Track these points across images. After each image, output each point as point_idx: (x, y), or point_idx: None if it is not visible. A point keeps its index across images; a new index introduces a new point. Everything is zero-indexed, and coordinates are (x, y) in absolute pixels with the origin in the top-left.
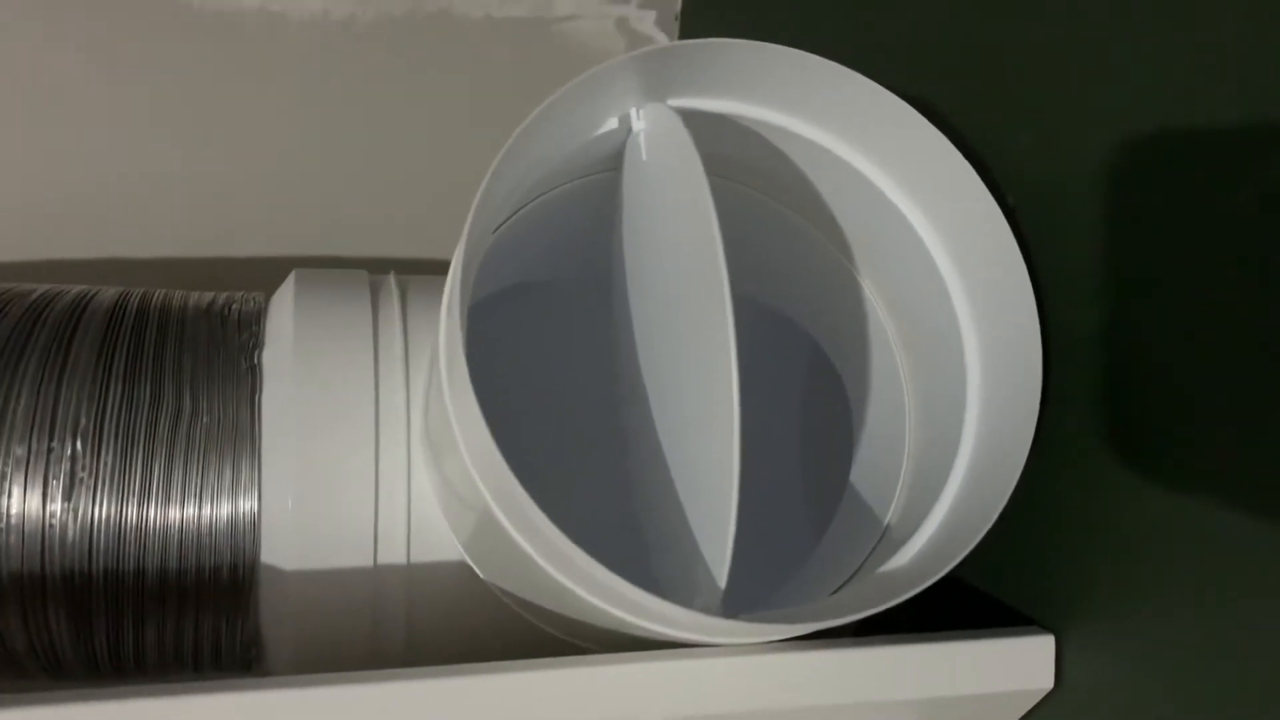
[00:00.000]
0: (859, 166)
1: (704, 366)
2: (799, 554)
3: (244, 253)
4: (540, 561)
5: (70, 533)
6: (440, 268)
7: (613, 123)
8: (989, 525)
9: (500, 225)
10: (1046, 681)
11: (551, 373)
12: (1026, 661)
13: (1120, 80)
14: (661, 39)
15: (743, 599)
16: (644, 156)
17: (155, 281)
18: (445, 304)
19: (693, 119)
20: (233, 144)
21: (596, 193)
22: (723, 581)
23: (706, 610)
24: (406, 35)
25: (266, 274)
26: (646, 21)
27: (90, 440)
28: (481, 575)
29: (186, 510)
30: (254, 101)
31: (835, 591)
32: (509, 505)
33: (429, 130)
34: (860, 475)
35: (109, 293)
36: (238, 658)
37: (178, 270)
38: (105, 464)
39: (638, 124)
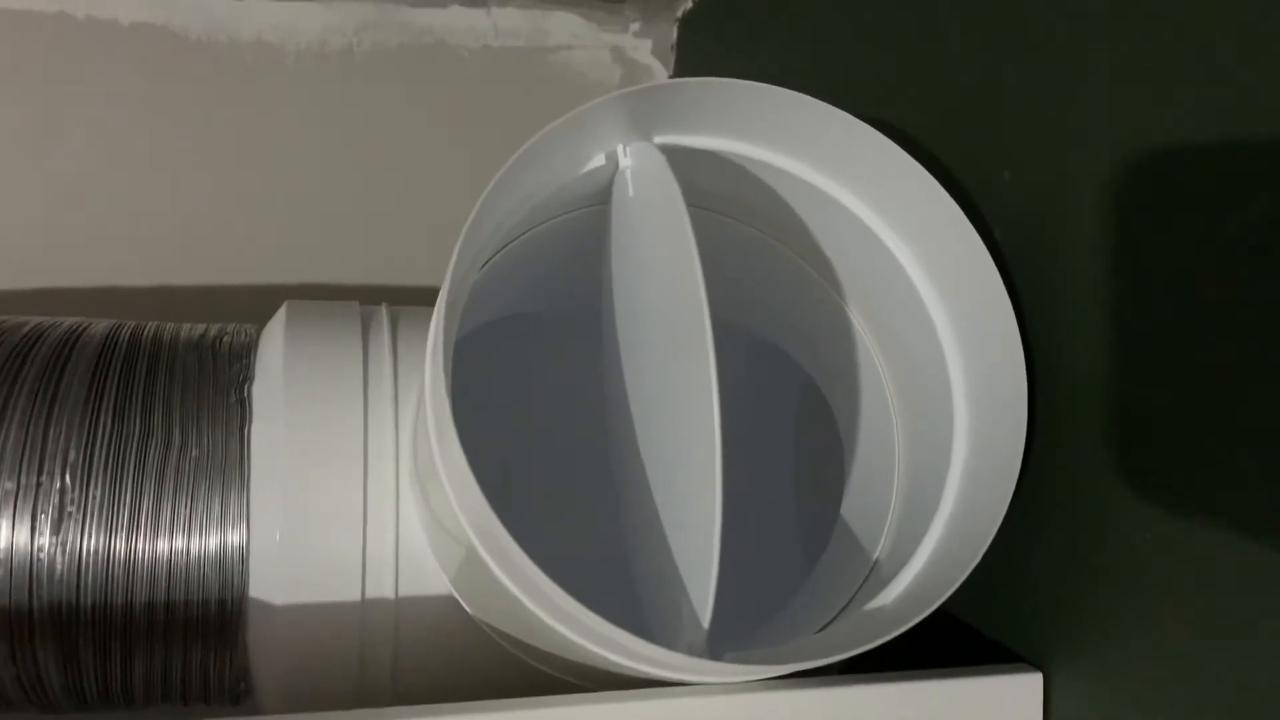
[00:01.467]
0: (845, 202)
1: (686, 407)
2: (790, 584)
3: (240, 279)
4: (526, 602)
5: (59, 566)
6: (436, 295)
7: (600, 159)
8: (974, 564)
9: (491, 258)
10: None
11: (542, 402)
12: (1014, 700)
13: (1104, 114)
14: (658, 67)
15: (732, 630)
16: (631, 193)
17: (152, 306)
18: (430, 346)
19: (681, 155)
20: (230, 171)
21: (587, 226)
22: (706, 621)
23: (691, 649)
24: (403, 65)
25: (262, 300)
26: (643, 50)
27: (79, 474)
28: (469, 610)
29: (175, 544)
30: (251, 130)
31: (823, 627)
32: (494, 547)
33: (426, 158)
34: (851, 508)
35: (101, 325)
36: (227, 691)
37: (173, 297)
38: (94, 497)
39: (625, 161)
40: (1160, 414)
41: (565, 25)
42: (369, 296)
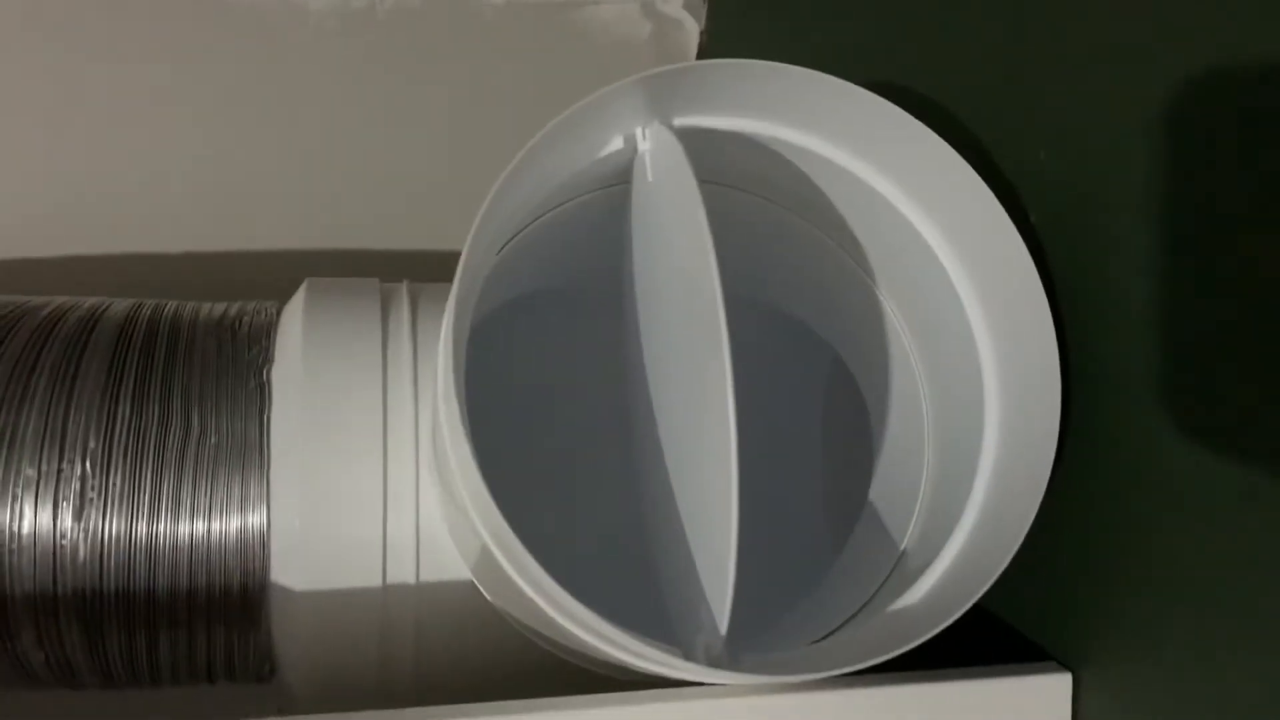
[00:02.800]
0: (873, 183)
1: (703, 405)
2: (814, 568)
3: (262, 246)
4: (541, 603)
5: (81, 552)
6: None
7: (618, 142)
8: (1004, 564)
9: (510, 239)
10: None
11: (562, 382)
12: (1041, 701)
13: (1141, 93)
14: (689, 22)
15: (753, 616)
16: (649, 178)
17: (172, 272)
18: (441, 348)
19: (704, 136)
20: (252, 134)
21: (607, 207)
22: (724, 626)
23: (708, 652)
24: (426, 24)
25: (285, 269)
26: (674, 3)
27: (99, 460)
28: (488, 598)
29: (196, 529)
30: (273, 92)
31: (847, 621)
32: (508, 551)
33: (449, 118)
34: (878, 494)
35: (120, 306)
36: (251, 671)
37: (194, 264)
38: (114, 484)
39: (643, 144)
40: (1205, 406)
41: None
42: (392, 262)
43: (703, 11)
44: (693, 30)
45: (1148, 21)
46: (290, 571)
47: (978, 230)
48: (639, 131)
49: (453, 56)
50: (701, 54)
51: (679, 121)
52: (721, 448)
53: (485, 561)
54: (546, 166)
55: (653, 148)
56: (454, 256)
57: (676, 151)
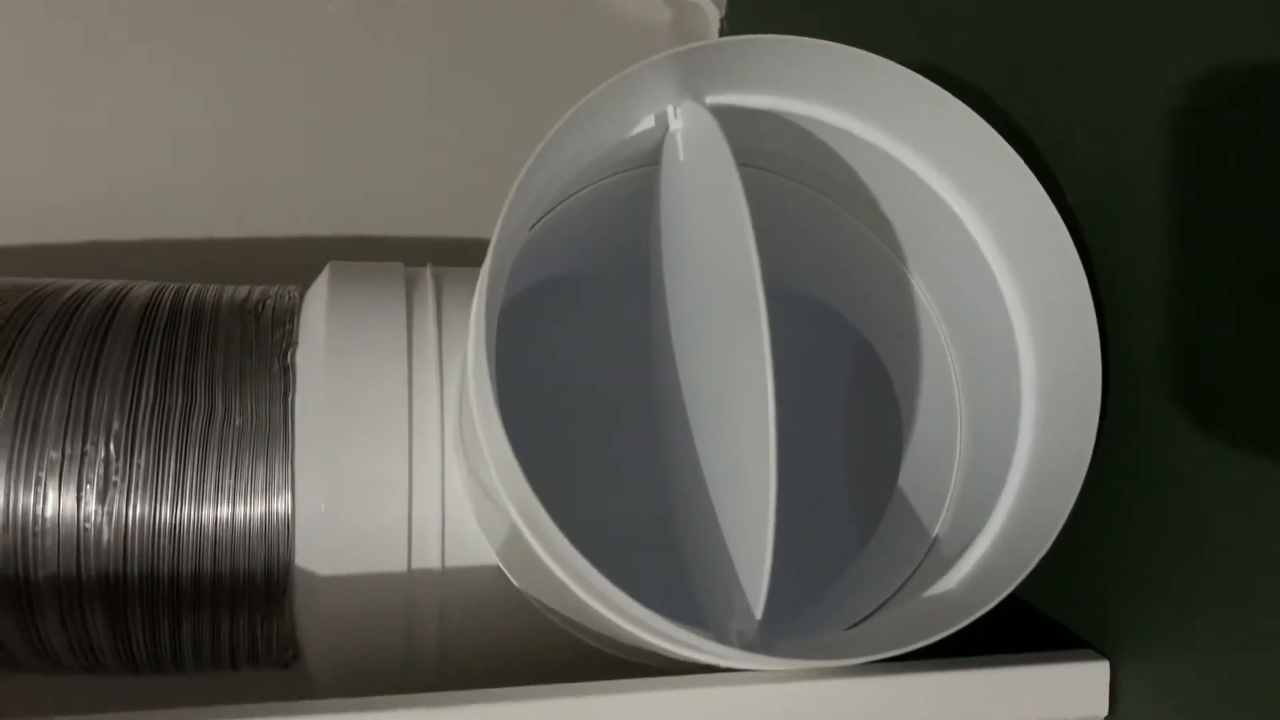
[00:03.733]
0: (910, 164)
1: (737, 384)
2: (844, 553)
3: (285, 232)
4: (573, 586)
5: (105, 535)
6: (485, 247)
7: (649, 121)
8: (1043, 551)
9: (539, 220)
10: (1100, 710)
11: (591, 364)
12: (1079, 689)
13: (1182, 71)
14: (709, 5)
15: (783, 600)
16: (681, 156)
17: (195, 257)
18: (473, 328)
19: (735, 114)
20: (275, 119)
21: (636, 187)
22: (759, 612)
23: (742, 638)
24: (446, 8)
25: (308, 252)
26: None
27: (123, 443)
28: (515, 584)
29: (220, 513)
30: (296, 77)
31: (880, 606)
32: (539, 532)
33: (469, 103)
34: (909, 480)
35: (143, 289)
36: (275, 656)
37: (216, 249)
38: (138, 467)
39: (675, 123)
40: (1247, 388)
41: None
42: (415, 248)
43: None
44: (713, 15)
45: (1189, 2)
46: (314, 556)
47: (1016, 211)
48: (670, 109)
49: (473, 40)
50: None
51: (711, 99)
52: (758, 430)
53: (512, 543)
54: (577, 144)
55: (685, 126)
56: (475, 243)
57: (712, 129)
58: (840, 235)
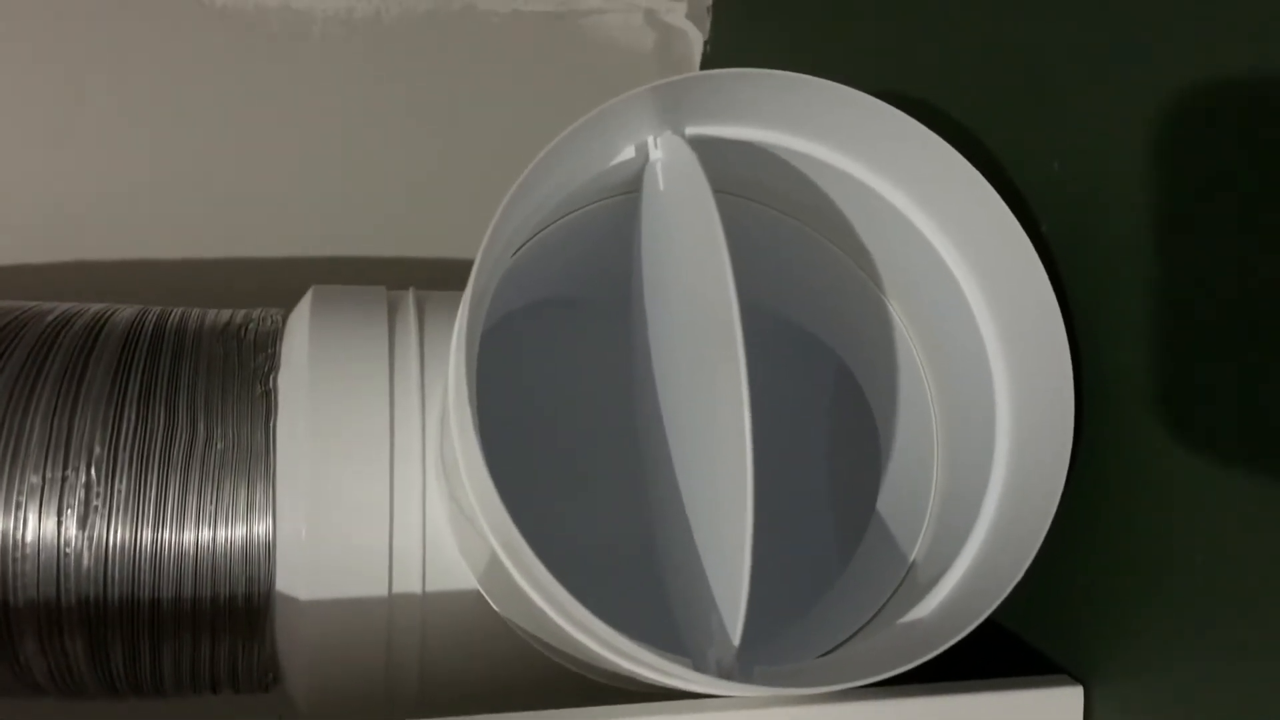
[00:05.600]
0: (886, 194)
1: (716, 405)
2: (823, 577)
3: (269, 253)
4: (550, 613)
5: (85, 560)
6: (467, 269)
7: (630, 151)
8: (1016, 580)
9: (524, 245)
10: None
11: (573, 387)
12: (1053, 714)
13: (1155, 100)
14: (693, 32)
15: (761, 625)
16: (661, 186)
17: (179, 280)
18: (453, 358)
19: (715, 144)
20: (259, 141)
21: (620, 214)
22: (736, 639)
23: (720, 665)
24: (431, 32)
25: (291, 276)
26: (677, 14)
27: (104, 468)
28: (495, 608)
29: (201, 537)
30: (280, 99)
31: (857, 632)
32: (518, 560)
33: (455, 127)
34: (887, 504)
35: (126, 313)
36: (256, 680)
37: (200, 271)
38: (119, 491)
39: (655, 153)
40: (1216, 421)
41: None
42: (399, 270)
43: (706, 22)
44: (696, 40)
45: (1159, 32)
46: (295, 580)
47: (989, 240)
48: (650, 140)
49: (459, 65)
50: (705, 64)
51: (690, 130)
52: (735, 456)
53: (493, 570)
54: (559, 174)
55: (665, 156)
56: (460, 265)
57: (690, 160)
58: (820, 262)
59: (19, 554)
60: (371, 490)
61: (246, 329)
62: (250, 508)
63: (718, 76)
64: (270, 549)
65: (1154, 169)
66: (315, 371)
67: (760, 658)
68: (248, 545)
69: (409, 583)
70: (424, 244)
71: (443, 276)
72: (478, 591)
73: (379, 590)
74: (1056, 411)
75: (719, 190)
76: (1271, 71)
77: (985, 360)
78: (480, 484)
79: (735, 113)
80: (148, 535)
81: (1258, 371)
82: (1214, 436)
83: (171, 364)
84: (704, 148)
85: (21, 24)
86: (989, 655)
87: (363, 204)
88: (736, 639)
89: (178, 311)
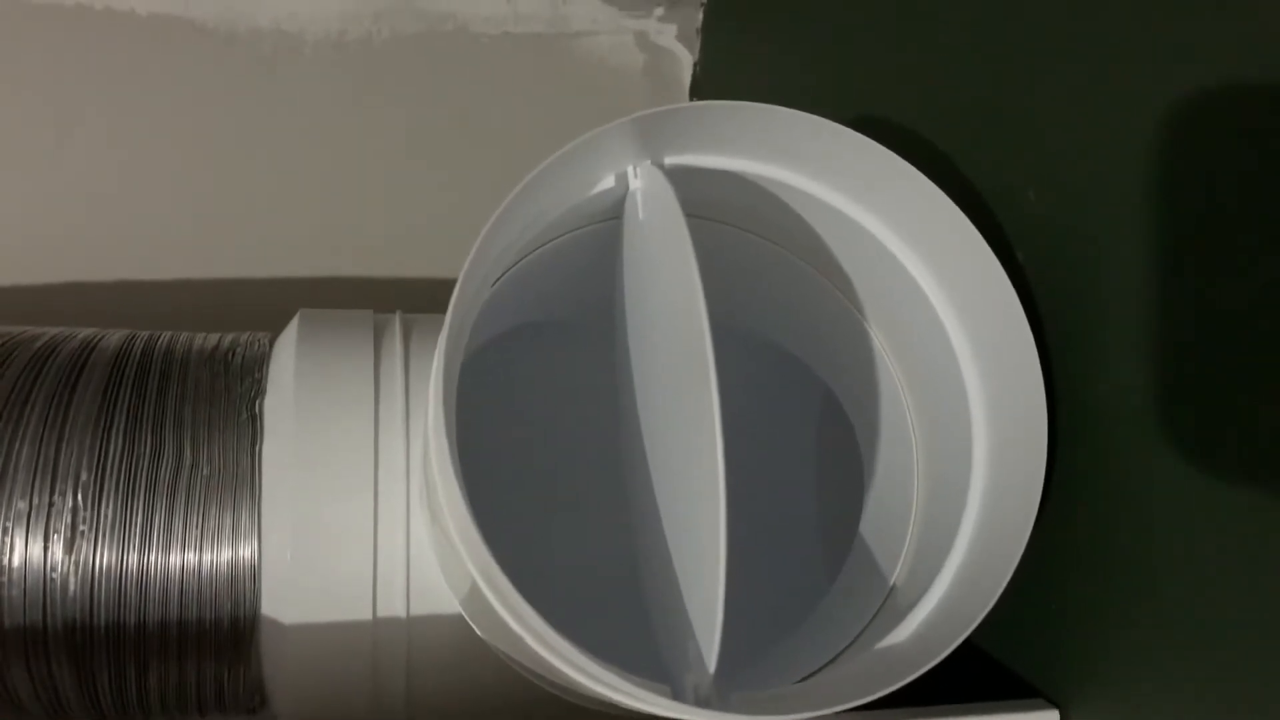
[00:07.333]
0: (864, 222)
1: (692, 431)
2: (805, 599)
3: (258, 273)
4: (529, 641)
5: (72, 585)
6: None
7: (610, 180)
8: (990, 604)
9: (508, 270)
10: None
11: (555, 414)
12: None
13: (1126, 131)
14: (683, 53)
15: (742, 652)
16: (641, 215)
17: (168, 301)
18: (432, 390)
19: (696, 174)
20: (248, 165)
21: (602, 240)
22: (712, 665)
23: (697, 691)
24: (422, 54)
25: (280, 298)
26: (667, 35)
27: (91, 493)
28: (479, 633)
29: (187, 561)
30: (269, 122)
31: (836, 656)
32: (497, 590)
33: (446, 148)
34: (869, 528)
35: (114, 338)
36: (241, 703)
37: (190, 291)
38: (106, 517)
39: (635, 182)
40: (1191, 446)
41: (587, 10)
42: (389, 290)
43: (696, 44)
44: (686, 61)
45: (1132, 61)
46: (281, 604)
47: (964, 269)
48: (630, 169)
49: (449, 87)
50: (694, 85)
51: (670, 160)
52: (709, 484)
53: (474, 597)
54: (540, 203)
55: (644, 186)
56: (450, 285)
57: (666, 192)
58: (802, 287)
59: (5, 579)
60: (356, 515)
61: (234, 353)
62: (236, 532)
63: (695, 108)
64: (256, 573)
65: (1126, 195)
66: (301, 397)
67: (743, 681)
68: (233, 570)
69: (393, 607)
70: (415, 265)
71: (434, 296)
72: (461, 616)
73: (364, 614)
74: (1031, 436)
75: (704, 216)
76: (1243, 97)
77: (963, 387)
78: (458, 512)
79: (715, 143)
80: (134, 560)
81: (1234, 398)
82: (1190, 463)
83: (159, 389)
84: (687, 175)
85: (10, 46)
86: (967, 679)
87: (352, 226)
88: (712, 665)
89: (165, 336)
